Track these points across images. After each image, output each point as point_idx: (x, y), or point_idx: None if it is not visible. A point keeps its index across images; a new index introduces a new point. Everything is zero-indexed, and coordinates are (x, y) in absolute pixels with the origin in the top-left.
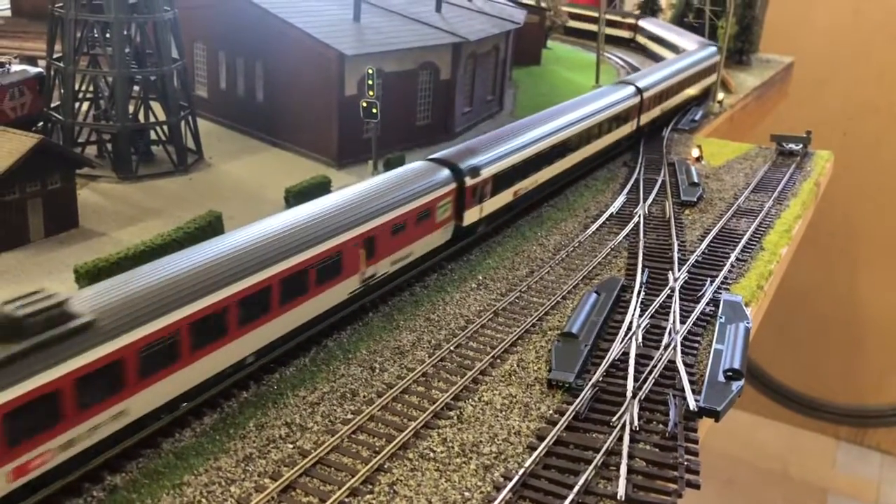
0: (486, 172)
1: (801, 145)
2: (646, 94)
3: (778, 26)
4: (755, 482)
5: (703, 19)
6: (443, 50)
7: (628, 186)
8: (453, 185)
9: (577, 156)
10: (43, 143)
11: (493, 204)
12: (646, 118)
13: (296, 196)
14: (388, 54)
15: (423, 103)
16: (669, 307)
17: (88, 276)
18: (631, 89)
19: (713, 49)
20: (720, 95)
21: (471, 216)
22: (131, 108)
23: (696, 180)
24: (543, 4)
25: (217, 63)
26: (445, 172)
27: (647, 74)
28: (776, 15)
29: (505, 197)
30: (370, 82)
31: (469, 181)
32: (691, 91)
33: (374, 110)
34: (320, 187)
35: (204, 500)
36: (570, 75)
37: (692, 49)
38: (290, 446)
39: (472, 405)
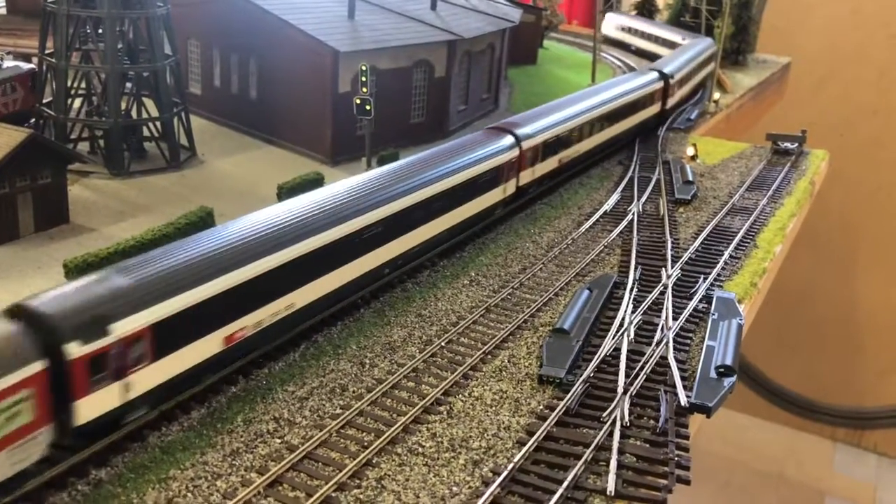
0: (124, 326)
1: (796, 144)
2: (528, 144)
3: (775, 26)
4: (752, 484)
5: (699, 19)
6: (438, 47)
7: (623, 184)
8: (36, 368)
9: (356, 265)
10: (33, 138)
11: (152, 376)
12: (529, 176)
13: (288, 192)
14: (383, 51)
15: (417, 101)
16: (662, 304)
17: (77, 270)
18: (507, 141)
19: (654, 74)
20: (716, 95)
21: (95, 406)
22: (124, 105)
23: (690, 178)
24: (541, 4)
25: (211, 60)
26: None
27: (541, 115)
28: (773, 15)
29: (178, 362)
30: (363, 79)
31: (78, 349)
32: (616, 130)
33: (368, 107)
34: (313, 184)
35: (190, 495)
36: (566, 75)
37: (629, 75)
38: (278, 441)
39: (462, 400)
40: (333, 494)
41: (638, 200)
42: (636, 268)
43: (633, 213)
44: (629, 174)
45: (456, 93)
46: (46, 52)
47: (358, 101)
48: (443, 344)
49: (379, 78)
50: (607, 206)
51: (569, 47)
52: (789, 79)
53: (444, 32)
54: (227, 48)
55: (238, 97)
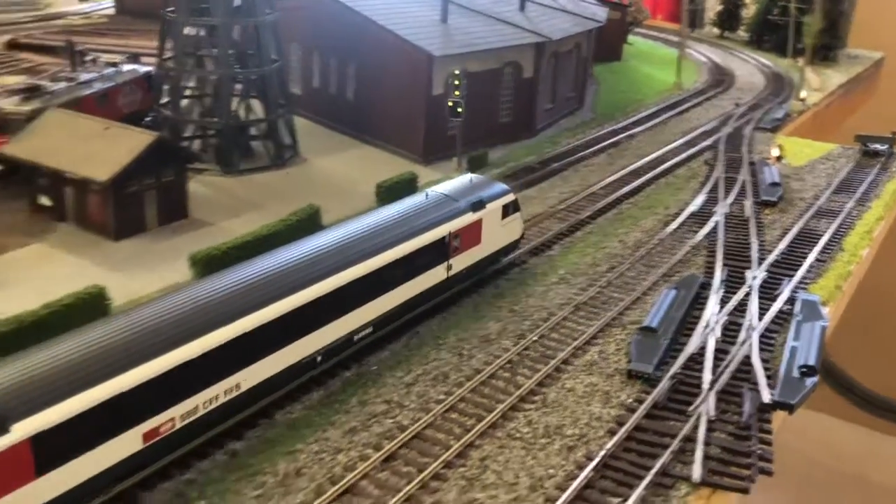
0: None
1: (886, 146)
2: None
3: (868, 21)
4: (833, 483)
5: (788, 16)
6: (526, 49)
7: (708, 185)
8: None
9: None
10: (160, 140)
11: None
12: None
13: (387, 191)
14: (474, 54)
15: (505, 101)
16: (747, 305)
17: (202, 262)
18: None
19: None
20: (803, 93)
21: None
22: (234, 106)
23: (776, 180)
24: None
25: (311, 62)
26: None
27: None
28: (866, 9)
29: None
30: (457, 83)
31: None
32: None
33: (460, 109)
34: (408, 184)
35: (315, 466)
36: (651, 71)
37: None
38: (390, 421)
39: (555, 391)
40: (442, 471)
41: (724, 201)
42: (722, 269)
43: (719, 215)
44: (714, 175)
45: (543, 92)
46: (163, 56)
47: (451, 104)
48: (535, 338)
49: (469, 80)
50: (693, 207)
51: (653, 43)
52: (882, 75)
53: (532, 34)
54: (327, 51)
55: (336, 98)
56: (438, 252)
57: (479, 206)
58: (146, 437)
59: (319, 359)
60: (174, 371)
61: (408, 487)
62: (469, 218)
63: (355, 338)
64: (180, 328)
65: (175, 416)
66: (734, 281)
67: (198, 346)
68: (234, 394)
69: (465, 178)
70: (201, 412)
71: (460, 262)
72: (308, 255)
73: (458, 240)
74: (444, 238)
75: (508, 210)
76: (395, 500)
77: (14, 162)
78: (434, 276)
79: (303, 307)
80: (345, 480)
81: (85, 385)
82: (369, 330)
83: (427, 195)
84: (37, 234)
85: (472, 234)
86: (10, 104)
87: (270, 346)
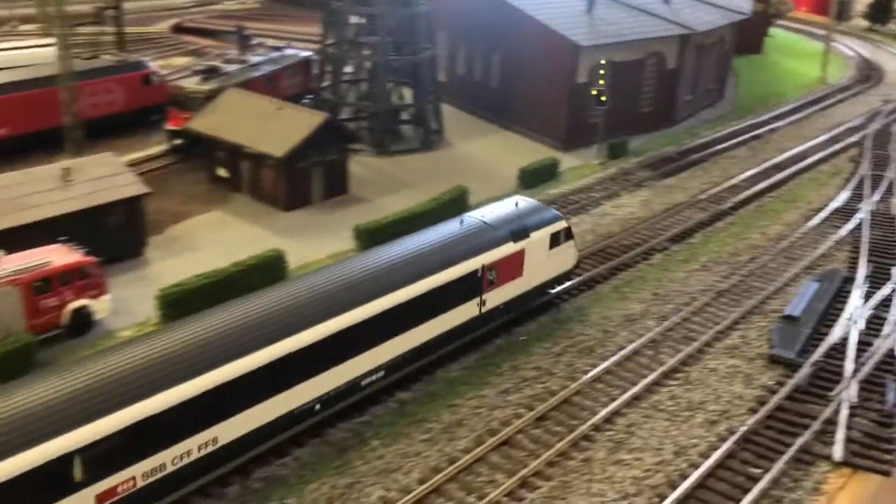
0: None
1: None
2: None
3: None
4: None
5: None
6: (670, 41)
7: (853, 182)
8: None
9: None
10: (327, 120)
11: None
12: None
13: (530, 175)
14: (618, 45)
15: (647, 91)
16: (892, 300)
17: (367, 234)
18: None
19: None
20: None
21: None
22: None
23: None
24: None
25: (457, 50)
26: None
27: None
28: None
29: None
30: (602, 72)
31: None
32: None
33: (604, 98)
34: (550, 169)
35: (475, 419)
36: (794, 65)
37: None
38: (540, 386)
39: (697, 371)
40: (590, 433)
41: (869, 199)
42: (866, 264)
43: (864, 211)
44: (860, 171)
45: (684, 84)
46: (326, 42)
47: (595, 93)
48: (678, 320)
49: (612, 69)
50: (837, 203)
51: (796, 35)
52: None
53: (677, 26)
54: (473, 40)
55: (480, 85)
56: (469, 287)
57: (521, 235)
58: (100, 498)
59: (318, 407)
60: (135, 426)
61: (560, 444)
62: (509, 248)
63: (363, 382)
64: (144, 378)
65: (136, 474)
66: (879, 277)
67: (161, 400)
68: (211, 448)
69: (511, 202)
70: (170, 469)
71: (496, 296)
72: (309, 294)
73: (493, 273)
74: (476, 271)
75: (559, 238)
76: (548, 454)
77: (195, 136)
78: (463, 313)
79: (298, 352)
80: (502, 433)
81: (21, 446)
82: (381, 374)
83: (462, 222)
84: (215, 202)
85: (511, 266)
86: (191, 84)
87: (259, 395)
